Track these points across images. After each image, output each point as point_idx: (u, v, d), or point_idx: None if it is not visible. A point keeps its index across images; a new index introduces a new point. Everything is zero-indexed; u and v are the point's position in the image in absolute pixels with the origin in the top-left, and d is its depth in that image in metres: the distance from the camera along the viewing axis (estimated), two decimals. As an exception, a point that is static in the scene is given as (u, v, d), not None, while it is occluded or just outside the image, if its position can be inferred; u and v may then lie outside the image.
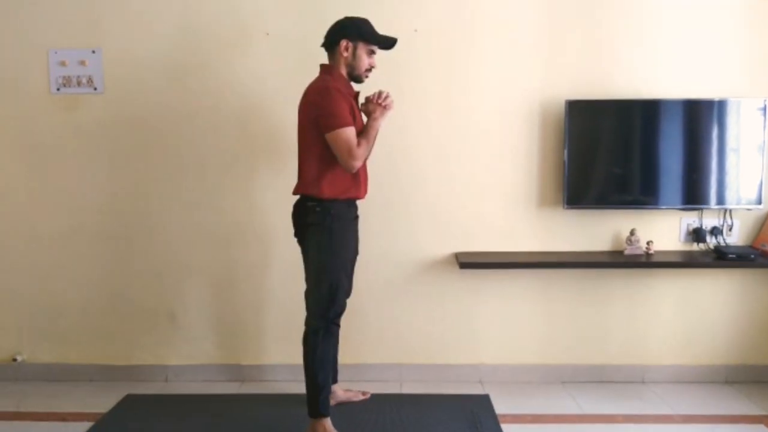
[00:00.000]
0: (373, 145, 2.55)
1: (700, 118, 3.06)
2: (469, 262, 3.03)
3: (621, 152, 3.12)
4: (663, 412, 2.92)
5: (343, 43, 2.54)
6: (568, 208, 3.11)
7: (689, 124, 3.07)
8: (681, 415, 2.88)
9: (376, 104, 2.59)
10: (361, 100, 2.66)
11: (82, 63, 3.13)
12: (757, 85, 3.10)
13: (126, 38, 3.13)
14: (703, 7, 3.09)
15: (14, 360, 3.29)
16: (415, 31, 3.10)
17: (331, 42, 2.58)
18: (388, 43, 2.62)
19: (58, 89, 3.16)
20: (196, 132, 3.17)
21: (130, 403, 3.05)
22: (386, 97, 2.60)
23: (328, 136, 2.43)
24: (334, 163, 2.50)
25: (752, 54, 3.10)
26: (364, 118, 2.61)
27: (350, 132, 2.44)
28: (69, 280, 3.27)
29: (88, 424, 2.81)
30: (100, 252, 3.25)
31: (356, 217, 2.71)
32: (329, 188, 2.51)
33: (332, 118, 2.42)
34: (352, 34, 2.54)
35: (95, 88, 3.16)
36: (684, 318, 3.23)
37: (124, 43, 3.14)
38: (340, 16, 3.07)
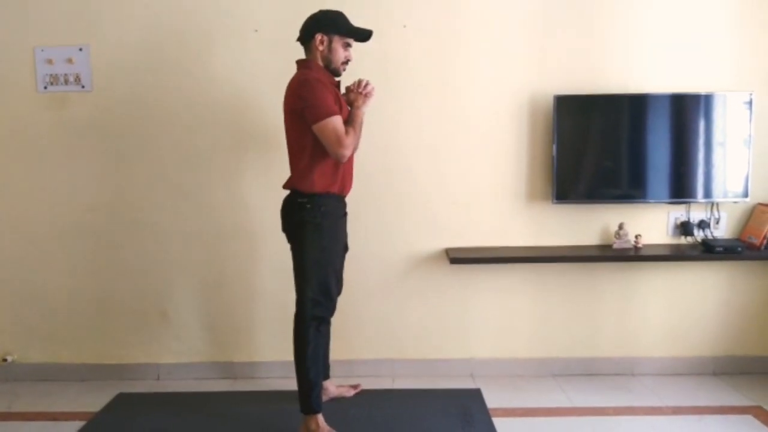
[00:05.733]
0: (360, 134, 2.56)
1: (687, 112, 3.08)
2: (459, 257, 3.05)
3: (609, 147, 3.13)
4: (652, 404, 2.95)
5: (318, 36, 2.54)
6: (557, 203, 3.13)
7: (676, 119, 3.09)
8: (670, 407, 2.91)
9: (357, 93, 2.62)
10: (342, 90, 2.67)
11: (69, 61, 3.11)
12: (744, 79, 3.12)
13: (114, 35, 3.12)
14: (691, 2, 3.11)
15: (4, 360, 3.27)
16: (405, 26, 3.10)
17: (306, 36, 2.58)
18: (362, 35, 2.63)
19: (45, 87, 3.14)
20: (185, 130, 3.16)
21: (121, 401, 3.04)
22: (366, 85, 2.63)
23: (315, 127, 2.43)
24: (323, 156, 2.50)
25: (738, 48, 3.12)
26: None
27: (337, 121, 2.44)
28: (59, 279, 3.26)
29: (79, 424, 2.80)
30: (90, 250, 3.24)
31: (345, 214, 2.72)
32: (319, 182, 2.52)
33: (317, 108, 2.42)
34: (326, 28, 2.55)
35: (83, 86, 3.14)
36: (672, 311, 3.26)
37: (112, 40, 3.12)
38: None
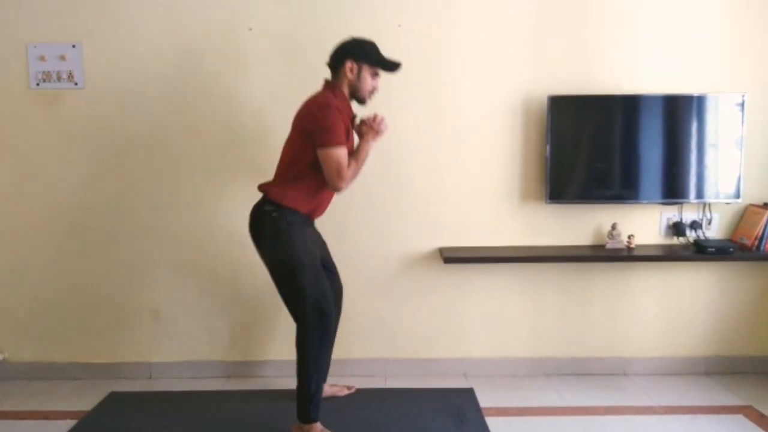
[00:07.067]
0: (361, 168, 2.56)
1: (679, 113, 3.10)
2: (453, 257, 3.05)
3: (602, 147, 3.15)
4: (644, 404, 2.96)
5: (348, 63, 2.54)
6: (550, 203, 3.14)
7: (669, 119, 3.11)
8: (662, 407, 2.93)
9: (369, 127, 2.61)
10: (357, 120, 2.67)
11: (62, 58, 3.09)
12: (736, 80, 3.14)
13: (107, 32, 3.10)
14: (683, 3, 3.12)
15: (-5, 359, 3.27)
16: (399, 26, 3.10)
17: (336, 61, 2.58)
18: (392, 66, 2.63)
19: (37, 84, 3.12)
20: (179, 127, 3.15)
21: (113, 400, 3.03)
22: (381, 122, 2.62)
23: (321, 152, 2.43)
24: (310, 178, 2.51)
25: (731, 50, 3.14)
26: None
27: (342, 152, 2.45)
28: (51, 278, 3.24)
29: (71, 423, 2.79)
30: (82, 249, 3.22)
31: (312, 224, 2.70)
32: (293, 198, 2.51)
33: (328, 134, 2.42)
34: (357, 56, 2.55)
35: (76, 83, 3.12)
36: (664, 311, 3.28)
37: (105, 37, 3.10)
38: (325, 11, 3.08)
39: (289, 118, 3.08)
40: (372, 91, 2.62)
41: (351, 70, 2.55)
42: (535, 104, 3.13)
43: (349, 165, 2.46)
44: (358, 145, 2.59)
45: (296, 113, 2.58)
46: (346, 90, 2.58)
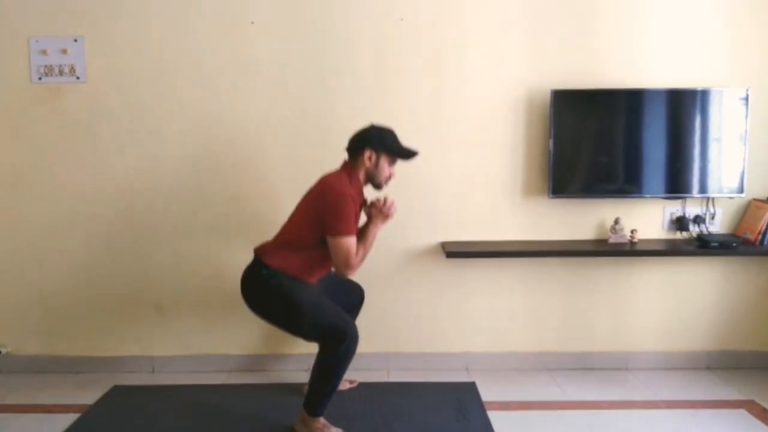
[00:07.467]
0: (369, 252, 2.57)
1: (683, 107, 3.09)
2: (455, 251, 3.05)
3: (605, 141, 3.13)
4: (646, 398, 2.96)
5: (367, 152, 2.56)
6: (553, 198, 3.13)
7: (673, 114, 3.09)
8: (664, 401, 2.93)
9: (378, 210, 2.61)
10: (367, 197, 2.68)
11: (64, 51, 3.09)
12: (740, 74, 3.13)
13: (109, 26, 3.09)
14: (687, -3, 3.12)
15: (-1, 352, 3.27)
16: (402, 19, 3.09)
17: (355, 148, 2.59)
18: (410, 155, 2.64)
19: (39, 78, 3.12)
20: (182, 120, 3.15)
21: (116, 394, 3.04)
22: (390, 206, 2.62)
23: (331, 239, 2.45)
24: (315, 252, 2.53)
25: (735, 44, 3.13)
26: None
27: (352, 241, 2.46)
28: (54, 271, 3.24)
29: (74, 416, 2.80)
30: (84, 242, 3.22)
31: None
32: (290, 266, 2.53)
33: (340, 223, 2.43)
34: (376, 145, 2.57)
35: (78, 77, 3.12)
36: (667, 305, 3.28)
37: (107, 31, 3.10)
38: (327, 7, 3.07)
39: (294, 106, 3.09)
40: (389, 178, 2.64)
41: (369, 159, 2.57)
42: (538, 98, 3.12)
43: (357, 252, 2.48)
44: (367, 229, 2.59)
45: (310, 189, 2.59)
46: (362, 175, 2.61)
